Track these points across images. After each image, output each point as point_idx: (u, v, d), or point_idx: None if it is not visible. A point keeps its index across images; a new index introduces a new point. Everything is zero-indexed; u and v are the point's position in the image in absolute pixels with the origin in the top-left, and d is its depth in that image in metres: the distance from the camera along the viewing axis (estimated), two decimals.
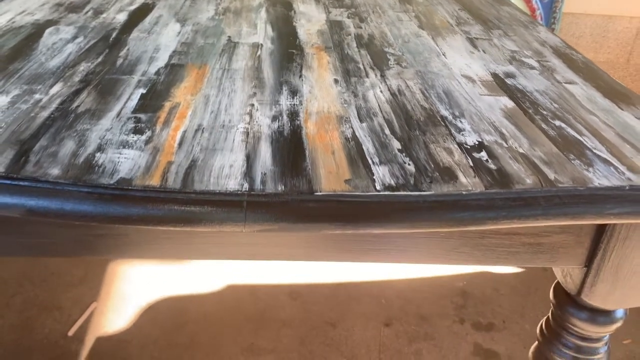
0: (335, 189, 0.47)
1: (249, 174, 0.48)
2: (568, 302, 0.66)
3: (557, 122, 0.61)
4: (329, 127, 0.57)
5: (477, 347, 1.41)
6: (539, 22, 0.90)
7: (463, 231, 0.56)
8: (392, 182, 0.48)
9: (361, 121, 0.58)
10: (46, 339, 1.34)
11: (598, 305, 0.61)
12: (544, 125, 0.60)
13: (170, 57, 0.72)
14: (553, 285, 0.68)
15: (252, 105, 0.60)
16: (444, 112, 0.62)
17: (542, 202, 0.49)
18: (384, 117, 0.60)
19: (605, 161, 0.54)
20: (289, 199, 0.45)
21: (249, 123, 0.56)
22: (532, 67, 0.76)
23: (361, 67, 0.73)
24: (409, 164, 0.51)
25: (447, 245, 0.57)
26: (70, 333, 1.36)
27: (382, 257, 0.57)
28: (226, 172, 0.48)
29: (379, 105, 0.63)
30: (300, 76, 0.69)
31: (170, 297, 1.50)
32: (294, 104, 0.61)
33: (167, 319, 1.43)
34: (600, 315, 0.64)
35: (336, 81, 0.68)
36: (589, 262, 0.59)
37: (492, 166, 0.52)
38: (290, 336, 1.41)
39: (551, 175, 0.51)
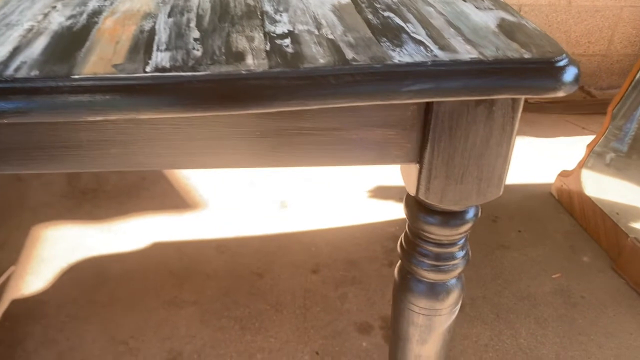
0: (97, 71, 0.43)
1: (4, 63, 0.44)
2: (417, 209, 0.63)
3: (387, 13, 0.58)
4: (129, 23, 0.52)
5: None
6: None
7: (278, 129, 0.53)
8: (167, 65, 0.44)
9: (169, 17, 0.54)
10: None
11: (436, 204, 0.58)
12: (370, 17, 0.57)
13: None
14: (405, 197, 0.66)
15: (54, 7, 0.56)
16: (267, 8, 0.58)
17: (332, 80, 0.45)
18: (197, 13, 0.56)
19: (419, 42, 0.51)
20: (40, 84, 0.41)
21: (39, 22, 0.52)
22: None
23: None
24: (197, 50, 0.47)
25: (264, 146, 0.54)
26: None
27: (195, 163, 0.54)
28: None
29: (199, 3, 0.58)
30: None
31: (92, 258, 1.46)
32: (102, 6, 0.57)
33: (87, 279, 1.39)
34: (450, 218, 0.62)
35: None
36: (420, 158, 0.56)
37: (289, 50, 0.48)
38: (214, 288, 1.38)
39: (349, 56, 0.48)
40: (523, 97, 0.52)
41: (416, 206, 0.63)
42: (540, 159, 1.96)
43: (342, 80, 0.45)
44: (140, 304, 1.32)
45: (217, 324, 1.28)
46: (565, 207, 1.69)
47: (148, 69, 0.44)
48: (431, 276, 0.66)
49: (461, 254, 0.65)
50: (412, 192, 0.59)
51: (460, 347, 1.24)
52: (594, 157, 1.60)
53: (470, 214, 0.62)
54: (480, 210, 0.64)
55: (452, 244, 0.64)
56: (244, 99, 0.44)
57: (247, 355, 1.20)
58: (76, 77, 0.42)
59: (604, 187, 1.58)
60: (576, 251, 1.54)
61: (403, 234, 0.68)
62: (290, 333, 1.26)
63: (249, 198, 1.72)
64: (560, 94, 0.49)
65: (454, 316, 0.70)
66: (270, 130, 0.53)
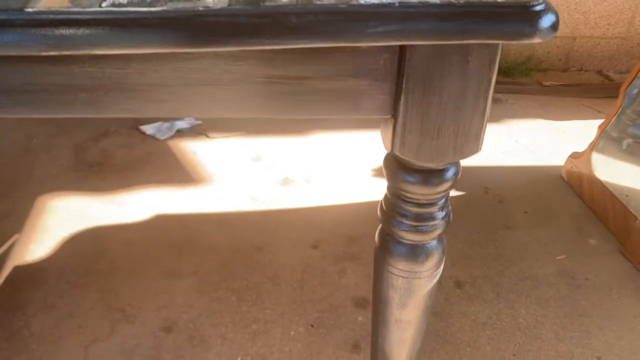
0: (52, 6, 0.42)
1: None
2: (396, 167, 0.61)
3: None
4: None
5: None
6: None
7: (246, 77, 0.51)
8: (124, 1, 0.43)
9: None
10: None
11: (412, 160, 0.57)
12: None
13: None
14: (384, 156, 0.64)
15: None
16: None
17: (294, 19, 0.44)
18: None
19: None
20: None
21: None
22: None
23: None
24: None
25: (232, 94, 0.52)
26: None
27: (162, 110, 0.53)
28: None
29: None
30: None
31: (95, 228, 1.48)
32: None
33: (88, 248, 1.41)
34: (429, 176, 0.60)
35: None
36: (394, 111, 0.54)
37: None
38: (213, 260, 1.38)
39: None
40: (499, 43, 0.50)
41: (395, 165, 0.61)
42: (552, 141, 1.92)
43: (304, 19, 0.44)
44: (139, 274, 1.33)
45: (214, 294, 1.28)
46: (574, 189, 1.66)
47: (104, 4, 0.43)
48: (410, 237, 0.64)
49: (441, 214, 0.64)
50: (388, 148, 0.57)
51: (458, 324, 1.22)
52: (605, 139, 1.56)
53: (450, 173, 0.60)
54: (460, 169, 0.62)
55: (432, 203, 0.62)
56: (201, 37, 0.43)
57: (242, 325, 1.21)
58: (29, 10, 0.41)
59: (615, 170, 1.54)
60: (583, 233, 1.51)
61: (383, 196, 0.67)
62: (286, 305, 1.26)
63: (253, 173, 1.71)
64: (536, 39, 0.47)
65: (434, 280, 0.69)
66: (238, 78, 0.52)
